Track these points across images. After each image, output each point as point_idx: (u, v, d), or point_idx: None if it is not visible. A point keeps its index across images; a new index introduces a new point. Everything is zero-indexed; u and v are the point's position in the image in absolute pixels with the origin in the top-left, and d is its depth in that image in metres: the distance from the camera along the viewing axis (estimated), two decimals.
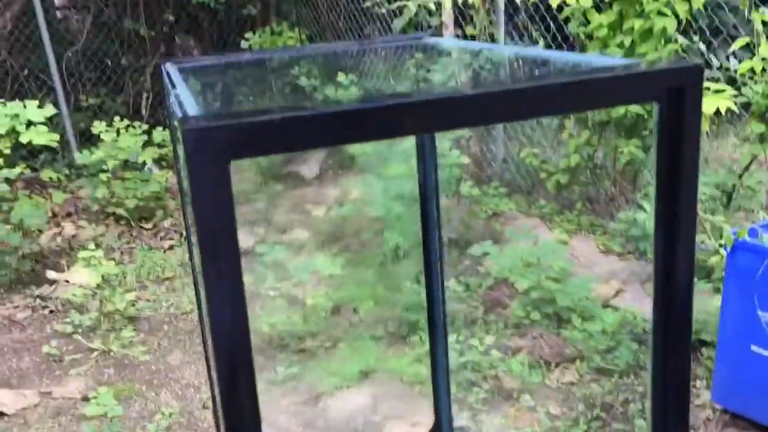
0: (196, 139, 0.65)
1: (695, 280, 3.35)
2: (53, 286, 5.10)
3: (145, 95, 8.34)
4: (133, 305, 4.69)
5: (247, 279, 0.74)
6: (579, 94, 0.78)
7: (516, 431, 3.39)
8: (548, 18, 5.63)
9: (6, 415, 3.72)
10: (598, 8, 4.92)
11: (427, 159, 1.75)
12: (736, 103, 4.23)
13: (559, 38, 5.64)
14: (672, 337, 0.91)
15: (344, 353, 3.98)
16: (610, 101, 1.05)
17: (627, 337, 4.07)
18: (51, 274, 5.17)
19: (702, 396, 3.60)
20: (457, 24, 5.93)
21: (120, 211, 5.98)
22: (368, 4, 7.01)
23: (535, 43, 5.75)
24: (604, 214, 5.29)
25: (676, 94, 0.81)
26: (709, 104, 3.98)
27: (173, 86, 1.35)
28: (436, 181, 1.79)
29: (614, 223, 5.15)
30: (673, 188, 0.89)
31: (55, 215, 6.25)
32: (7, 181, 5.30)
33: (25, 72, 8.08)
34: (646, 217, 4.54)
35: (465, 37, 5.80)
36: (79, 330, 4.49)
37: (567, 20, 5.15)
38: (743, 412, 3.38)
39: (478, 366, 3.87)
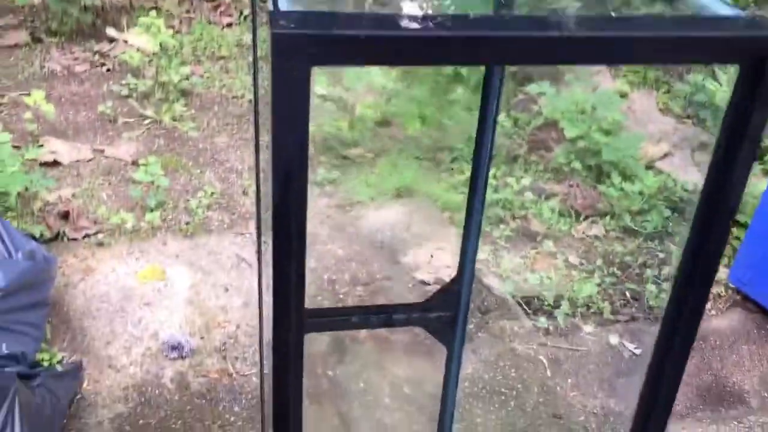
0: (283, 42, 0.66)
1: None
2: (112, 44, 5.15)
3: None
4: (187, 79, 4.76)
5: None
6: (660, 49, 0.76)
7: (531, 272, 3.55)
8: None
9: (61, 164, 3.95)
10: None
11: None
12: None
13: None
14: (716, 214, 0.93)
15: (384, 168, 4.08)
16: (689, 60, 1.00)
17: (662, 202, 4.10)
18: (111, 32, 5.20)
19: (719, 273, 3.70)
20: None
21: None
22: None
23: None
24: (673, 71, 5.07)
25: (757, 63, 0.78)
26: None
27: None
28: None
29: (681, 83, 4.96)
30: (733, 151, 0.88)
31: None
32: None
33: None
34: (716, 88, 4.36)
35: None
36: (134, 95, 4.60)
37: None
38: (756, 297, 3.49)
39: (509, 204, 3.96)
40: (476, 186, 1.68)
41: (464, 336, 1.87)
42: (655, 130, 4.71)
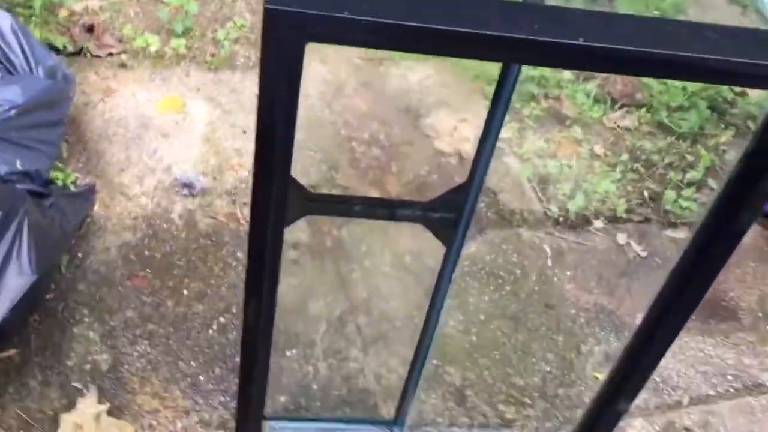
0: (276, 18, 0.58)
1: None
2: None
3: None
4: None
5: None
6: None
7: (553, 158, 3.48)
8: None
9: None
10: None
11: None
12: None
13: None
14: None
15: None
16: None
17: (704, 101, 3.91)
18: None
19: None
20: None
21: None
22: None
23: None
24: None
25: None
26: None
27: None
28: None
29: None
30: None
31: None
32: None
33: None
34: None
35: None
36: None
37: None
38: None
39: (545, 82, 3.81)
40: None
41: (464, 239, 1.86)
42: (719, 18, 4.40)
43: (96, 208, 2.79)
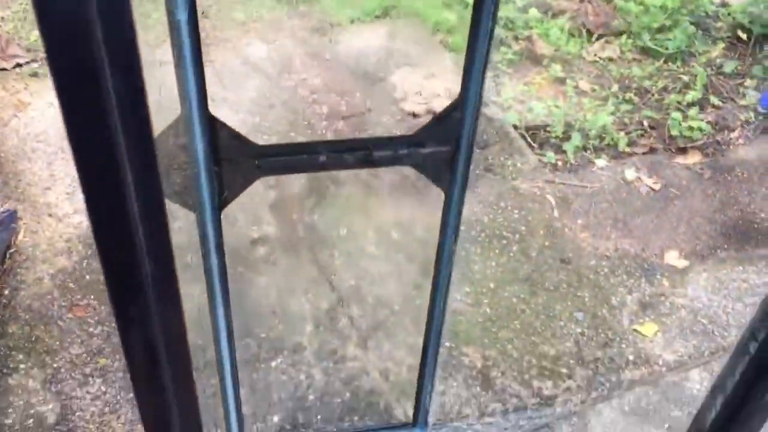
0: None
1: None
2: None
3: None
4: None
5: None
6: None
7: (537, 101, 3.10)
8: None
9: None
10: None
11: None
12: None
13: None
14: None
15: None
16: None
17: (686, 17, 3.57)
18: None
19: (748, 96, 3.26)
20: None
21: None
22: None
23: None
24: None
25: None
26: None
27: None
28: None
29: None
30: None
31: None
32: None
33: None
34: None
35: None
36: None
37: None
38: None
39: (511, 24, 3.44)
40: None
41: (467, 176, 1.47)
42: None
43: (20, 236, 2.35)
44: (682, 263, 2.56)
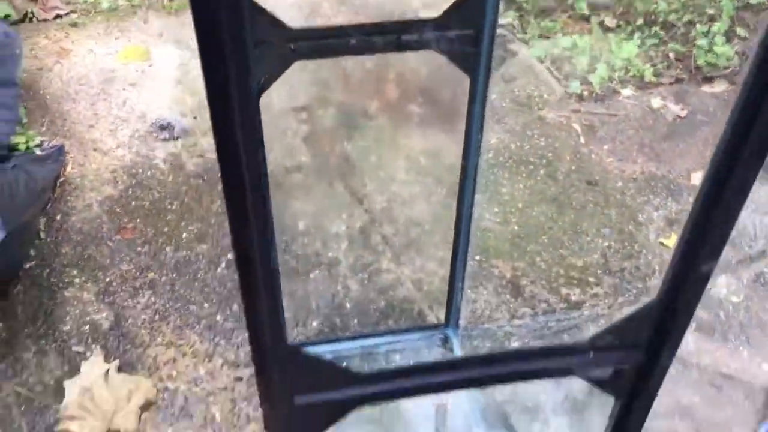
0: None
1: None
2: None
3: None
4: None
5: None
6: None
7: (562, 36, 3.14)
8: None
9: None
10: None
11: None
12: None
13: None
14: None
15: None
16: None
17: None
18: None
19: None
20: None
21: None
22: None
23: None
24: None
25: None
26: None
27: None
28: None
29: None
30: None
31: None
32: None
33: None
34: None
35: None
36: None
37: None
38: None
39: None
40: None
41: (490, 60, 1.53)
42: None
43: (69, 168, 2.48)
44: None
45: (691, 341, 2.03)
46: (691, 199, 2.59)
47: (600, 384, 0.94)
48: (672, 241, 2.35)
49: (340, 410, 0.87)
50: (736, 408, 1.86)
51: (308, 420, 0.87)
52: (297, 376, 0.81)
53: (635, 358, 0.90)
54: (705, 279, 0.81)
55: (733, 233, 2.34)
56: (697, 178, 2.61)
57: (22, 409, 1.82)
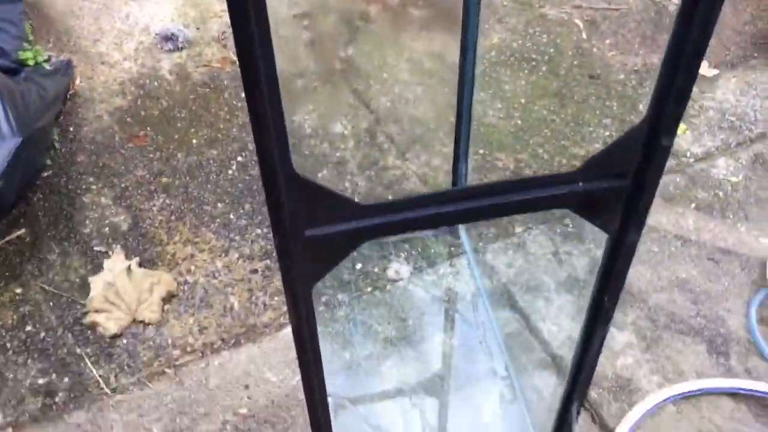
0: None
1: None
2: None
3: None
4: None
5: None
6: None
7: None
8: None
9: None
10: None
11: None
12: None
13: None
14: None
15: None
16: None
17: None
18: None
19: None
20: None
21: None
22: None
23: None
24: None
25: None
26: None
27: None
28: None
29: None
30: None
31: None
32: None
33: None
34: None
35: None
36: None
37: None
38: None
39: None
40: None
41: None
42: None
43: (77, 82, 2.52)
44: (711, 72, 2.61)
45: (690, 220, 2.09)
46: (695, 88, 2.61)
47: (591, 218, 1.00)
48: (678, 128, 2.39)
49: (349, 242, 0.94)
50: (733, 279, 1.94)
51: (319, 253, 0.93)
52: (307, 207, 0.88)
53: (622, 187, 0.96)
54: (684, 97, 0.86)
55: (733, 117, 2.38)
56: (701, 67, 2.62)
57: (51, 304, 1.92)
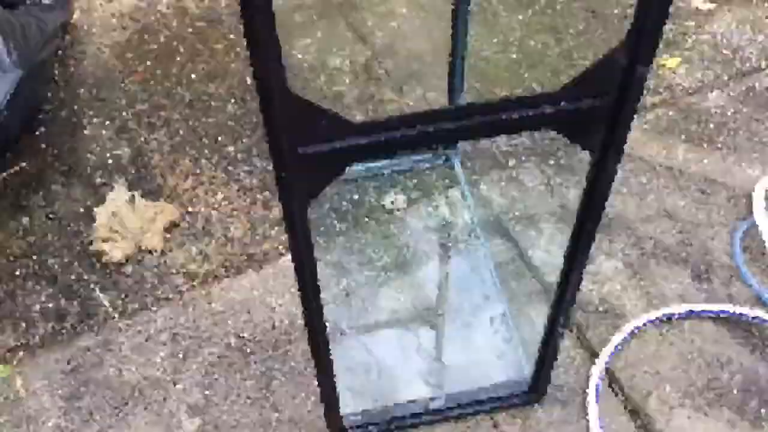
0: None
1: None
2: None
3: None
4: None
5: None
6: None
7: None
8: None
9: None
10: None
11: None
12: None
13: None
14: None
15: None
16: None
17: None
18: None
19: None
20: None
21: None
22: None
23: None
24: None
25: None
26: None
27: None
28: None
29: None
30: None
31: None
32: None
33: None
34: None
35: None
36: None
37: None
38: None
39: None
40: None
41: None
42: None
43: (76, 16, 2.53)
44: (707, 6, 2.61)
45: (680, 152, 2.14)
46: (690, 22, 2.62)
47: (574, 137, 1.05)
48: (670, 62, 2.41)
49: (342, 161, 0.99)
50: (719, 209, 1.99)
51: (314, 170, 0.98)
52: (299, 124, 0.92)
53: (604, 105, 1.00)
54: (663, 15, 0.90)
55: (727, 51, 2.40)
56: (698, 1, 2.62)
57: (58, 234, 1.98)
